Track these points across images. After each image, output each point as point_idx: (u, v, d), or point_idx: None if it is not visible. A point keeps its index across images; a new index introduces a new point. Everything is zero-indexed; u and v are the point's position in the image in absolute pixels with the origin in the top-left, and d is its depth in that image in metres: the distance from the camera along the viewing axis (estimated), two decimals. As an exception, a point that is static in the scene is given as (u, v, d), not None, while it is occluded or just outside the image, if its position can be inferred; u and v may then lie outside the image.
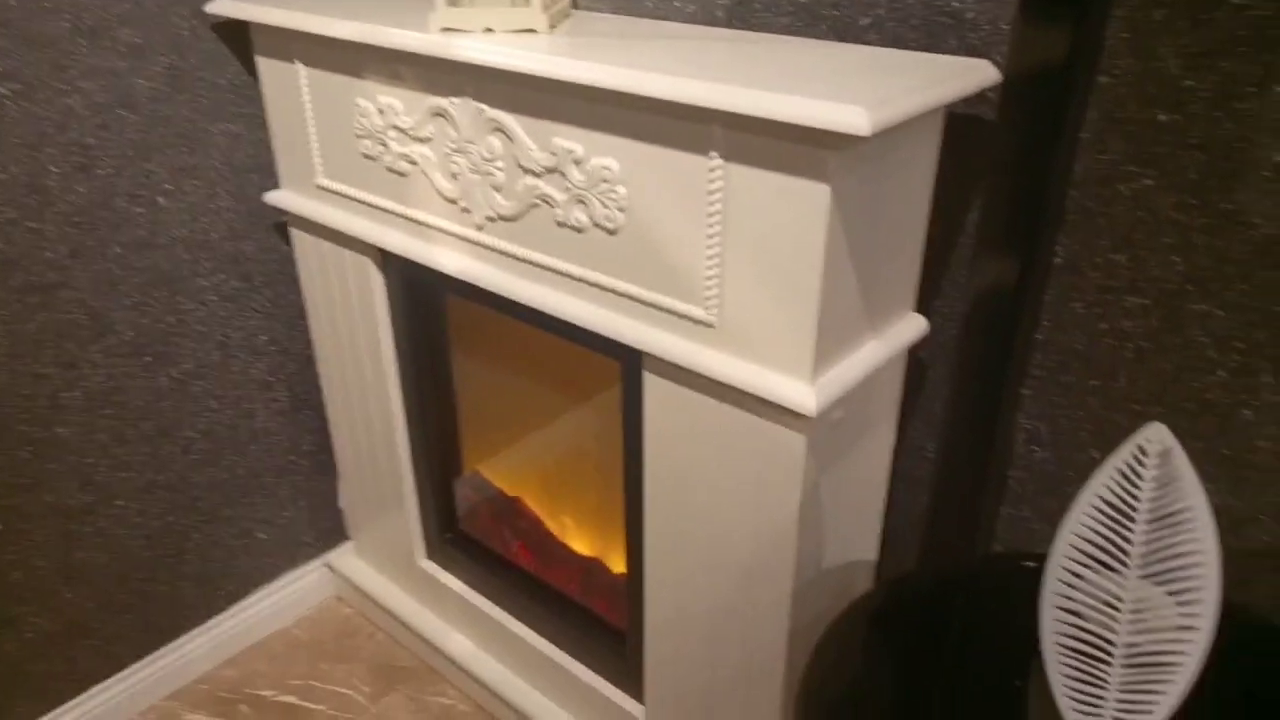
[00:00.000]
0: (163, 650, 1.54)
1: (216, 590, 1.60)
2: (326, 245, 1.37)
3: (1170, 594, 0.60)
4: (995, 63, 0.90)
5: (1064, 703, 0.65)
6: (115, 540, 1.43)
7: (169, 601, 1.53)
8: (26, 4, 1.14)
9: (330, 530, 1.74)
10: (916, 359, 1.08)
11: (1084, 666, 0.64)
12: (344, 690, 1.56)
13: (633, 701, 1.29)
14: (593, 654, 1.33)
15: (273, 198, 1.39)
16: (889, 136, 0.81)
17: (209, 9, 1.28)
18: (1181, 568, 0.59)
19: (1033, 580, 0.87)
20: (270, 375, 1.55)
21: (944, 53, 0.94)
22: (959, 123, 0.95)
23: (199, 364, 1.45)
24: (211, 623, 1.60)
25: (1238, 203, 0.83)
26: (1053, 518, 1.05)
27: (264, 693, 1.56)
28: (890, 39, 0.97)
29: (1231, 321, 0.86)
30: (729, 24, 1.08)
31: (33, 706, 1.40)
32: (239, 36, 1.34)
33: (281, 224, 1.48)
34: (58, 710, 1.43)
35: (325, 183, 1.30)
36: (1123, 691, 0.63)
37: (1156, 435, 0.60)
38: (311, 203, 1.34)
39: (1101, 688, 0.64)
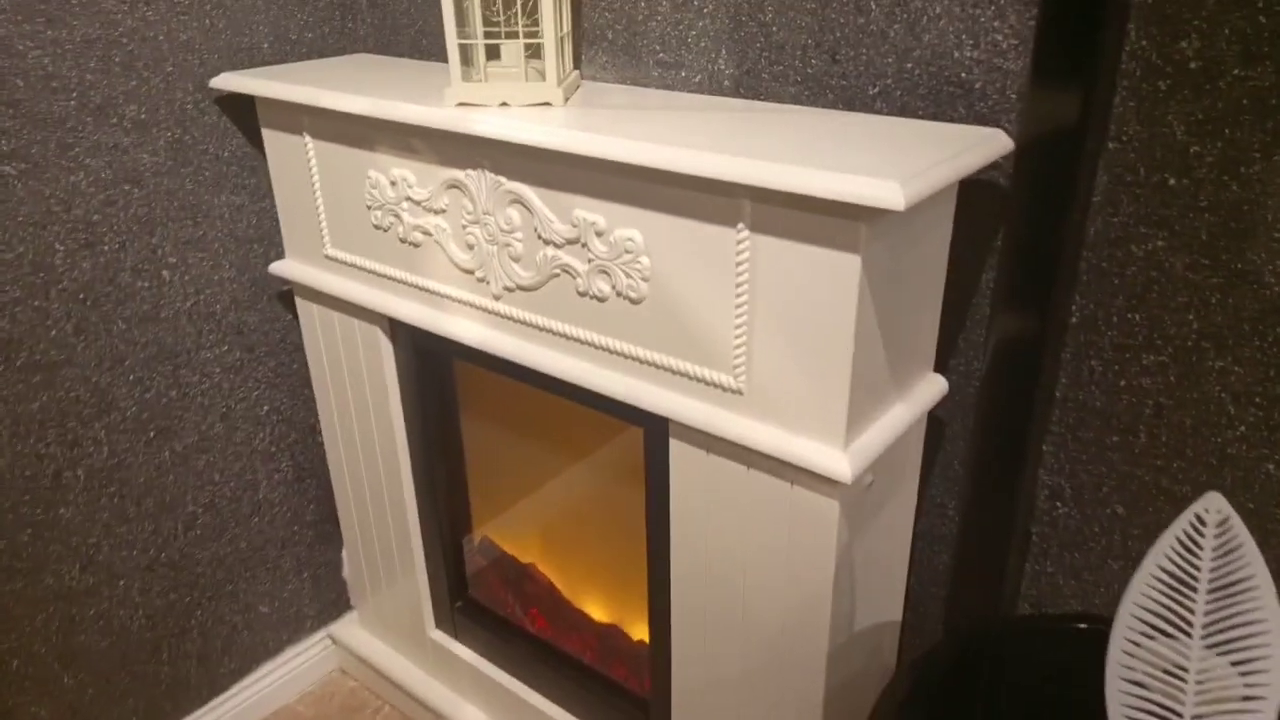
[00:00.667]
0: (164, 733, 1.50)
1: (219, 668, 1.55)
2: (335, 314, 1.36)
3: (1234, 664, 0.61)
4: (1005, 129, 0.92)
5: (1129, 772, 0.65)
6: (117, 622, 1.39)
7: (171, 683, 1.49)
8: (34, 85, 1.14)
9: (333, 601, 1.71)
10: (935, 417, 1.09)
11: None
12: (352, 768, 1.52)
13: (656, 771, 1.27)
14: (613, 722, 1.31)
15: (278, 268, 1.39)
16: (916, 207, 0.83)
17: (214, 84, 1.29)
18: (1244, 637, 0.60)
19: (1067, 641, 0.88)
20: (273, 445, 1.53)
21: (952, 120, 0.96)
22: (971, 187, 0.97)
23: (202, 437, 1.43)
24: (214, 703, 1.55)
25: (1249, 263, 0.85)
26: (1078, 573, 1.05)
27: (269, 774, 1.51)
28: (898, 108, 0.99)
29: (1249, 377, 0.88)
30: (736, 93, 1.10)
31: (31, 799, 1.35)
32: (242, 110, 1.34)
33: (285, 293, 1.47)
34: (56, 802, 1.38)
35: (334, 253, 1.30)
36: (1188, 760, 0.63)
37: (1214, 504, 0.61)
38: (319, 272, 1.33)
39: (1167, 756, 0.64)
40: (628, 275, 0.96)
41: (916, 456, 1.06)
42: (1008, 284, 0.97)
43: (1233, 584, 0.60)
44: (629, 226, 0.94)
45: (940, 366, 1.05)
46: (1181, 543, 0.62)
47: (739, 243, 0.87)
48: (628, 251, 0.95)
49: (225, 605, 1.54)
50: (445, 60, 1.34)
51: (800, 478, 0.92)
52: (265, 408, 1.51)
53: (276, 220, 1.42)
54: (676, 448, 1.02)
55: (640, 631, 1.35)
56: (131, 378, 1.33)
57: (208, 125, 1.32)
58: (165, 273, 1.33)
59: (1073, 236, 0.93)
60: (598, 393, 1.04)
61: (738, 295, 0.89)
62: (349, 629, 1.68)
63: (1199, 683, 0.62)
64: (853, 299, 0.81)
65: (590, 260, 0.99)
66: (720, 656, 1.09)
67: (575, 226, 0.99)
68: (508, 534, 1.51)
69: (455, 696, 1.52)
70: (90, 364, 1.28)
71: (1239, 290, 0.87)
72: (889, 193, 0.73)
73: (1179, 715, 0.63)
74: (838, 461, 0.87)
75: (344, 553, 1.68)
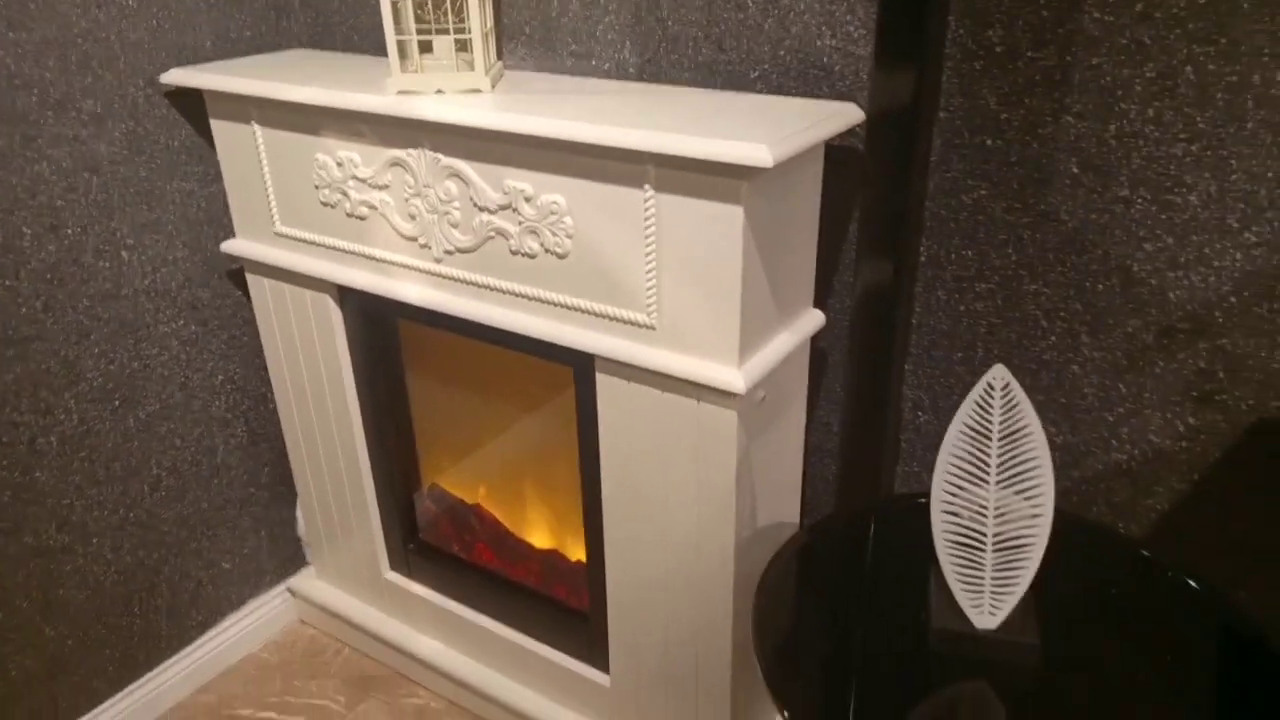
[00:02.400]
0: (139, 682, 1.61)
1: (187, 621, 1.68)
2: (285, 286, 1.50)
3: (1019, 493, 0.82)
4: (859, 104, 1.12)
5: (955, 585, 0.86)
6: (92, 577, 1.51)
7: (143, 634, 1.61)
8: None
9: (289, 557, 1.84)
10: (818, 348, 1.30)
11: (966, 556, 0.85)
12: (319, 702, 1.67)
13: (598, 673, 1.45)
14: (558, 636, 1.49)
15: (230, 246, 1.52)
16: (785, 167, 1.02)
17: (164, 79, 1.41)
18: (1026, 471, 0.81)
19: (923, 513, 1.10)
20: (229, 413, 1.66)
21: (818, 97, 1.16)
22: (836, 152, 1.17)
23: (163, 405, 1.55)
24: (184, 652, 1.68)
25: (1050, 204, 1.08)
26: (936, 469, 1.28)
27: (242, 712, 1.65)
28: (773, 88, 1.19)
29: (1055, 296, 1.11)
30: (640, 79, 1.28)
31: (20, 744, 1.47)
32: (189, 102, 1.46)
33: (234, 271, 1.60)
34: (44, 746, 1.49)
35: (283, 230, 1.44)
36: (996, 570, 0.84)
37: (999, 374, 0.82)
38: (270, 249, 1.47)
39: (980, 570, 0.85)
40: (554, 234, 1.14)
41: (802, 379, 1.26)
42: (868, 232, 1.18)
43: (1016, 432, 0.82)
44: (553, 192, 1.12)
45: (820, 304, 1.26)
46: (978, 404, 0.83)
47: (646, 201, 1.05)
48: (553, 213, 1.13)
49: (190, 562, 1.66)
50: (375, 54, 1.49)
51: (705, 394, 1.11)
52: (220, 377, 1.63)
53: (225, 203, 1.55)
54: (602, 380, 1.20)
55: (577, 552, 1.53)
56: (97, 351, 1.44)
57: (158, 117, 1.44)
58: (124, 253, 1.44)
59: (916, 190, 1.14)
60: (532, 338, 1.21)
61: (647, 246, 1.07)
62: (306, 581, 1.82)
63: (998, 510, 0.83)
64: (738, 243, 1.00)
65: (520, 223, 1.16)
66: (646, 562, 1.28)
67: (506, 194, 1.16)
68: (454, 479, 1.67)
69: (411, 631, 1.68)
70: (59, 338, 1.39)
71: (1044, 227, 1.09)
72: (759, 153, 0.92)
73: (984, 535, 0.84)
74: (734, 377, 1.06)
75: (298, 511, 1.81)
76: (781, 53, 1.16)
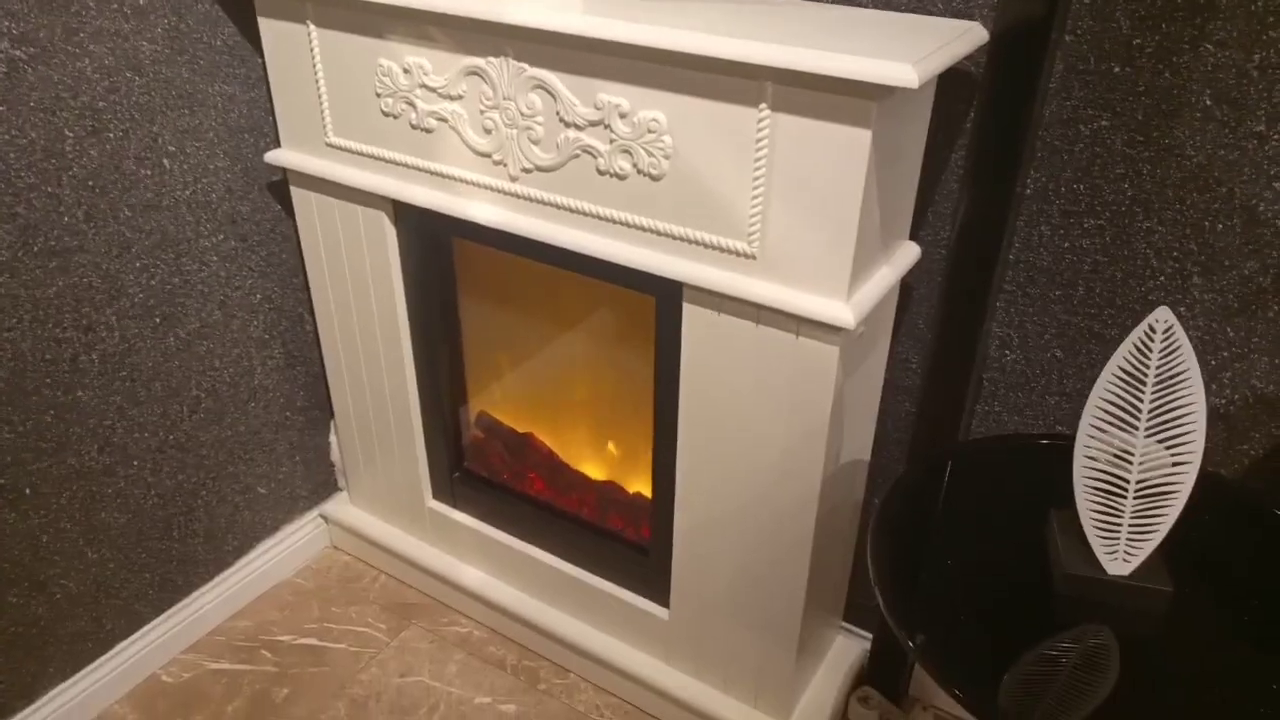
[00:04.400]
0: (178, 606, 1.58)
1: (223, 545, 1.64)
2: (335, 201, 1.42)
3: (1166, 443, 0.79)
4: (982, 23, 1.06)
5: (1090, 530, 0.84)
6: (133, 500, 1.46)
7: (181, 559, 1.57)
8: (41, -33, 1.15)
9: (322, 483, 1.80)
10: (904, 283, 1.25)
11: (1103, 502, 0.83)
12: (360, 629, 1.64)
13: (656, 606, 1.44)
14: (613, 567, 1.47)
15: (275, 157, 1.43)
16: (910, 89, 0.96)
17: (209, -29, 1.30)
18: (1178, 418, 0.78)
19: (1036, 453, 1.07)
20: (266, 333, 1.59)
21: (932, 14, 1.09)
22: (947, 76, 1.11)
23: (203, 324, 1.48)
24: (220, 577, 1.64)
25: (1175, 139, 1.03)
26: (1020, 410, 1.25)
27: (282, 638, 1.62)
28: (881, 2, 1.12)
29: (1169, 235, 1.07)
30: (729, -12, 1.20)
31: (63, 666, 1.43)
32: (235, -2, 1.37)
33: (275, 183, 1.51)
34: (87, 668, 1.46)
35: (336, 141, 1.35)
36: (1134, 518, 0.82)
37: (1163, 315, 0.78)
38: (320, 161, 1.39)
39: (1118, 516, 0.83)
40: (650, 153, 1.07)
41: (890, 314, 1.22)
42: (974, 161, 1.12)
43: (1173, 377, 0.78)
44: (653, 108, 1.05)
45: (912, 236, 1.21)
46: (1137, 346, 0.79)
47: (760, 121, 0.99)
48: (651, 131, 1.06)
49: (227, 486, 1.61)
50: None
51: (805, 328, 1.07)
52: (258, 296, 1.56)
53: (266, 110, 1.46)
54: (690, 310, 1.15)
55: (636, 485, 1.50)
56: (138, 264, 1.36)
57: (201, 14, 1.34)
58: (166, 161, 1.36)
59: (1032, 119, 1.08)
60: (614, 264, 1.16)
61: (756, 169, 1.01)
62: (340, 507, 1.78)
63: (1142, 458, 0.80)
64: (862, 170, 0.95)
65: (612, 140, 1.09)
66: (722, 496, 1.25)
67: (599, 109, 1.09)
68: (504, 407, 1.63)
69: (454, 560, 1.65)
70: (100, 250, 1.31)
71: (1165, 162, 1.04)
72: (903, 73, 0.86)
73: (1125, 480, 0.82)
74: (842, 312, 1.02)
75: (332, 437, 1.76)
76: (895, -34, 1.09)
